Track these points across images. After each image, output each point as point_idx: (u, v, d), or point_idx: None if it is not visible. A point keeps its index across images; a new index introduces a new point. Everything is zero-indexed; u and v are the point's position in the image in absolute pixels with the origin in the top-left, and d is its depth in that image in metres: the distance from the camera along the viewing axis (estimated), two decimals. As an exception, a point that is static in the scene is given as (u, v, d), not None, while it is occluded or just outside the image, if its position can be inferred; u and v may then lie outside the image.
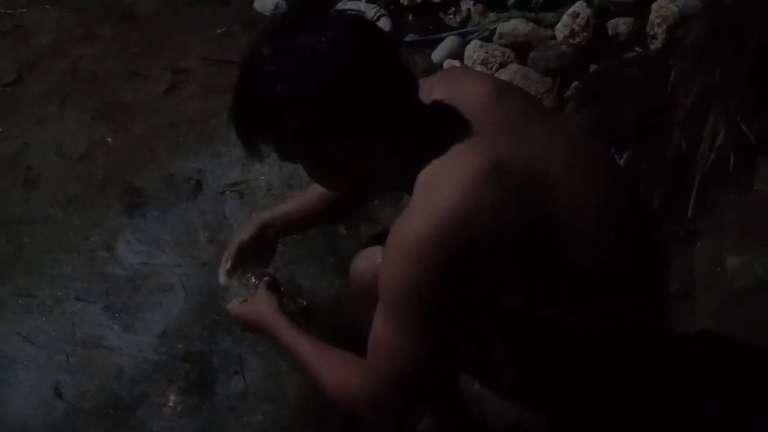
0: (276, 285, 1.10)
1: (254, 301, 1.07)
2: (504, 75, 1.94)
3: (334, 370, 0.92)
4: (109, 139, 2.03)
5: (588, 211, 0.88)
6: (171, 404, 1.42)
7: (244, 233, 1.18)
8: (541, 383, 0.98)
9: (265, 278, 1.11)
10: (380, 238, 1.13)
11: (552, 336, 0.92)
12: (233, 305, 1.10)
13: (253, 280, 1.11)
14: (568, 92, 1.89)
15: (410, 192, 0.88)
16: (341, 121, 0.85)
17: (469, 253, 0.81)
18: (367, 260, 1.09)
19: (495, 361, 0.98)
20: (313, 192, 1.18)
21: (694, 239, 1.54)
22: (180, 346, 1.51)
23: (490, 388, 1.16)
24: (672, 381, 1.05)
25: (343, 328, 1.52)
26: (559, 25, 1.95)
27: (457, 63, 2.05)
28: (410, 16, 2.17)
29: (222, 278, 1.15)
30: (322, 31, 0.84)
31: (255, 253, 1.18)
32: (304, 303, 1.18)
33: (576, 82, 1.89)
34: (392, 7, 2.16)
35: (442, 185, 0.83)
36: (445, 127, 0.88)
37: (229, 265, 1.15)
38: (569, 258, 0.87)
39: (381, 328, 0.87)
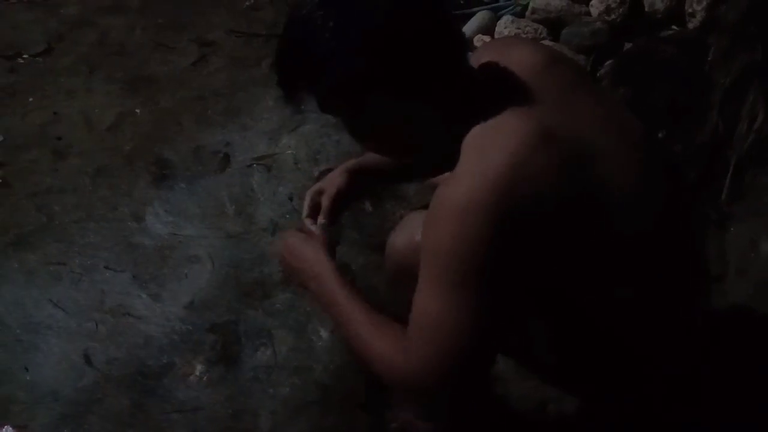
0: (331, 233, 1.07)
1: (309, 239, 1.02)
2: (536, 52, 1.90)
3: (380, 340, 0.86)
4: (137, 111, 2.04)
5: (630, 183, 0.87)
6: (197, 374, 1.43)
7: (338, 182, 1.15)
8: (576, 365, 0.97)
9: (323, 226, 1.08)
10: (418, 216, 1.11)
11: (590, 316, 0.90)
12: (290, 233, 1.05)
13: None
14: (602, 70, 1.85)
15: (452, 164, 0.85)
16: (385, 75, 0.82)
17: (518, 216, 0.78)
18: (406, 236, 1.06)
19: (532, 341, 0.96)
20: None
21: (728, 223, 1.51)
22: (207, 316, 1.52)
23: (521, 364, 1.14)
24: (703, 365, 1.03)
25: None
26: (594, 1, 1.91)
27: (487, 38, 2.01)
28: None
29: (312, 226, 1.12)
30: None
31: (346, 204, 1.16)
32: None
33: (610, 61, 1.85)
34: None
35: (491, 148, 0.80)
36: (494, 92, 0.86)
37: (324, 218, 1.12)
38: (611, 227, 0.85)
39: (426, 302, 0.82)
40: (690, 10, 1.82)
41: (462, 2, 2.12)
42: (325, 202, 1.14)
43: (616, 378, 0.96)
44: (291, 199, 1.75)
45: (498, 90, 0.86)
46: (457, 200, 0.79)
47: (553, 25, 1.94)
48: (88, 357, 1.46)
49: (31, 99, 2.11)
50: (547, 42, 1.94)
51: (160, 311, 1.53)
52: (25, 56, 2.29)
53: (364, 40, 0.81)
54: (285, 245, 1.03)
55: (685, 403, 1.00)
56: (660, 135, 1.64)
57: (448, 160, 0.85)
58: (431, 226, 0.82)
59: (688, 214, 0.99)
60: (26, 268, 1.63)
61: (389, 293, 1.36)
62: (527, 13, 1.99)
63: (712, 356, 1.09)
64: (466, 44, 0.89)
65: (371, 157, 1.18)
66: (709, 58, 1.66)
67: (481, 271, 0.79)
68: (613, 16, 1.87)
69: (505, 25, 1.98)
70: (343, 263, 1.13)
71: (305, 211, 1.15)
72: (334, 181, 1.15)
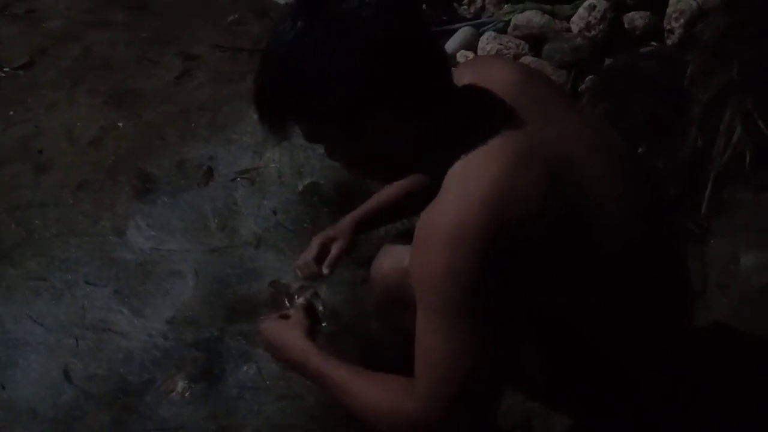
0: (313, 307, 1.04)
1: (286, 325, 0.99)
2: (518, 67, 1.93)
3: (382, 393, 0.84)
4: (120, 125, 2.03)
5: (613, 196, 0.87)
6: (179, 390, 1.41)
7: (349, 236, 1.17)
8: (565, 380, 0.97)
9: (305, 298, 1.05)
10: (402, 238, 1.11)
11: (579, 329, 0.90)
12: (266, 323, 1.02)
13: (297, 299, 1.06)
14: (583, 86, 1.88)
15: (435, 181, 0.86)
16: (380, 97, 0.81)
17: (508, 238, 0.78)
18: (391, 260, 1.05)
19: (524, 361, 0.94)
20: (397, 188, 1.18)
21: (708, 237, 1.53)
22: (189, 332, 1.50)
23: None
24: (688, 378, 1.04)
25: (354, 320, 1.52)
26: (574, 18, 1.94)
27: (470, 54, 2.03)
28: (424, 6, 2.15)
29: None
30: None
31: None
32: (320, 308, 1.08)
33: (591, 76, 1.88)
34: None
35: (475, 172, 0.80)
36: (476, 113, 0.86)
37: (327, 269, 1.14)
38: (598, 242, 0.85)
39: (428, 336, 0.80)
40: (669, 27, 1.85)
41: (444, 18, 2.14)
42: (335, 250, 1.16)
43: (605, 392, 0.96)
44: (275, 212, 1.75)
45: (481, 110, 0.87)
46: (446, 227, 0.78)
47: (535, 41, 1.97)
48: (68, 373, 1.44)
49: (12, 112, 2.09)
50: (529, 57, 1.96)
51: (141, 327, 1.52)
52: (6, 69, 2.27)
53: (358, 62, 0.79)
54: (265, 339, 1.01)
55: (669, 418, 1.00)
56: (640, 150, 1.66)
57: (436, 182, 0.85)
58: (422, 255, 0.80)
59: (670, 226, 1.00)
60: (5, 284, 1.60)
61: (377, 313, 1.36)
62: (509, 29, 2.01)
63: (695, 371, 1.10)
64: (449, 62, 0.90)
65: (374, 206, 1.21)
66: (687, 75, 1.69)
67: (480, 297, 0.78)
68: (593, 33, 1.90)
69: (487, 41, 2.00)
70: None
71: (313, 251, 1.16)
72: (346, 234, 1.18)
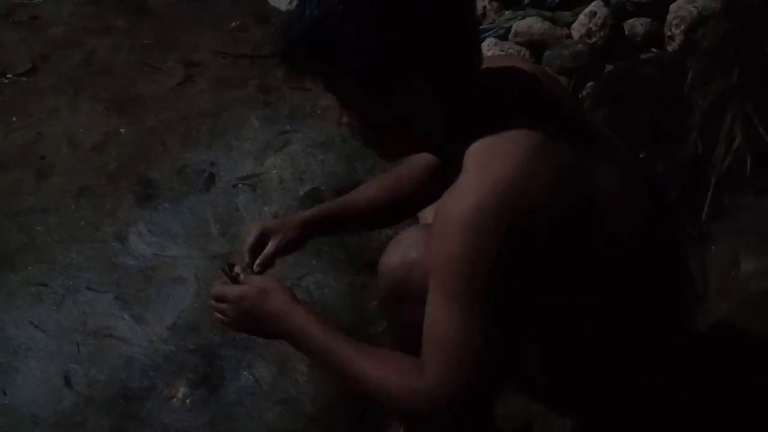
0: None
1: (261, 293, 0.93)
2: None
3: (390, 371, 0.83)
4: (122, 131, 2.04)
5: (617, 195, 0.88)
6: (180, 396, 1.41)
7: (290, 235, 1.09)
8: (566, 381, 0.97)
9: (239, 266, 0.98)
10: (410, 233, 1.12)
11: (578, 333, 0.91)
12: (230, 292, 0.95)
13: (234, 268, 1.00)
14: (583, 92, 1.88)
15: (450, 164, 0.85)
16: (419, 63, 0.80)
17: (527, 227, 0.79)
18: (399, 254, 1.05)
19: (525, 361, 0.95)
20: (363, 195, 1.16)
21: (708, 242, 1.53)
22: (190, 338, 1.50)
23: (508, 382, 1.13)
24: (688, 379, 1.04)
25: (354, 325, 1.52)
26: (575, 24, 1.94)
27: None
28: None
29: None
30: None
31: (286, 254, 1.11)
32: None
33: (591, 82, 1.88)
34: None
35: (495, 160, 0.81)
36: (500, 98, 0.87)
37: (258, 268, 1.06)
38: (602, 240, 0.86)
39: (440, 316, 0.80)
40: (669, 34, 1.86)
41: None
42: (270, 248, 1.08)
43: (605, 392, 0.96)
44: (276, 218, 1.75)
45: (504, 97, 0.87)
46: (467, 214, 0.78)
47: (536, 47, 1.97)
48: (69, 379, 1.44)
49: (14, 118, 2.10)
50: (529, 64, 1.97)
51: (142, 333, 1.52)
52: (9, 75, 2.28)
53: (401, 22, 0.79)
54: (237, 309, 0.95)
55: (669, 418, 1.01)
56: (641, 155, 1.66)
57: (449, 166, 0.85)
58: (441, 241, 0.80)
59: (671, 226, 1.02)
60: (7, 289, 1.61)
61: (381, 313, 1.36)
62: (510, 36, 2.02)
63: (695, 374, 1.10)
64: (481, 47, 0.91)
65: (332, 207, 1.17)
66: (688, 81, 1.69)
67: (490, 281, 0.78)
68: (594, 39, 1.91)
69: (488, 48, 2.01)
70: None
71: (248, 244, 1.08)
72: (287, 232, 1.09)
